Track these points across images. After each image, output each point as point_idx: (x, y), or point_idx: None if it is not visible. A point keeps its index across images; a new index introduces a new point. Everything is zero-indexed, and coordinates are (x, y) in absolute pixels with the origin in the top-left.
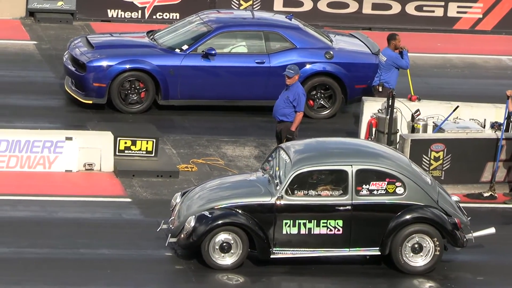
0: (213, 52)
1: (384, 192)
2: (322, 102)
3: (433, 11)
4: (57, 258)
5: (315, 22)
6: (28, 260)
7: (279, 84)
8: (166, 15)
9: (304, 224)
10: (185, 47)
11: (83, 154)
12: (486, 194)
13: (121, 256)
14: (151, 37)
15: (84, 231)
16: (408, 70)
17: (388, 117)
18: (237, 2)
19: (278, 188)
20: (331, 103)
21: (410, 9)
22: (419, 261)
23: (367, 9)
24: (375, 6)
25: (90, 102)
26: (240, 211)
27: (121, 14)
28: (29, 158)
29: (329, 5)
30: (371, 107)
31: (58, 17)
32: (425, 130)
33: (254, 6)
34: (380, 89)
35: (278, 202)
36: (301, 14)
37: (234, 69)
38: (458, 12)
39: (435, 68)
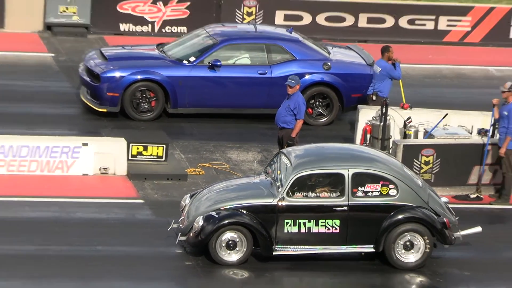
0: (218, 63)
1: (378, 194)
2: (320, 110)
3: (424, 25)
4: (76, 255)
5: (314, 35)
6: (50, 256)
7: (280, 94)
8: (174, 29)
9: (304, 224)
10: (192, 58)
11: (98, 159)
12: (473, 196)
13: (135, 253)
14: (161, 49)
15: (100, 230)
16: (400, 80)
17: (381, 124)
18: (241, 16)
19: (279, 190)
20: (328, 111)
21: (403, 22)
22: (411, 257)
23: (362, 23)
24: (370, 20)
25: (104, 110)
26: (244, 212)
27: (132, 28)
28: (49, 163)
29: (327, 19)
30: (366, 115)
31: (74, 31)
32: (416, 136)
33: (256, 20)
34: (374, 98)
35: (279, 203)
36: (300, 28)
37: (238, 80)
38: (448, 25)
39: (426, 78)
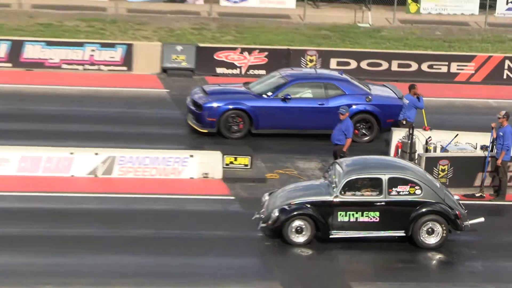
0: (288, 97)
1: (407, 193)
2: (364, 131)
3: (440, 68)
4: (184, 237)
5: (358, 76)
6: (164, 238)
7: (334, 119)
8: (256, 72)
9: (353, 214)
10: (269, 93)
11: (201, 166)
12: (477, 195)
13: (228, 236)
14: (246, 86)
15: (203, 219)
16: (423, 109)
17: (409, 141)
18: (305, 63)
19: (335, 190)
20: (370, 132)
21: (424, 67)
22: (432, 240)
23: (394, 67)
24: (400, 65)
25: (206, 131)
26: (309, 206)
27: (225, 71)
28: (165, 169)
29: (368, 64)
30: (398, 135)
31: (182, 73)
32: (435, 151)
33: (316, 65)
34: (404, 123)
35: (335, 200)
36: (348, 71)
37: (303, 109)
38: (457, 69)
39: (442, 108)
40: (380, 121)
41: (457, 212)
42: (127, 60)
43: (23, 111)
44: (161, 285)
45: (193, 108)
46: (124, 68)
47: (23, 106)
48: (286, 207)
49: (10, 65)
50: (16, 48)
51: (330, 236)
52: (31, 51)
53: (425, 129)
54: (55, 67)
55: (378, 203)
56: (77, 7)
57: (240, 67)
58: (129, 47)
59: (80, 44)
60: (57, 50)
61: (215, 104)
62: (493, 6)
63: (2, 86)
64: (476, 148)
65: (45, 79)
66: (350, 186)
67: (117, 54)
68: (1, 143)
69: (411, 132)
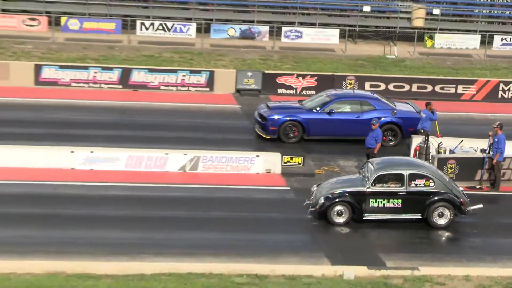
0: (332, 111)
1: (423, 185)
2: (390, 137)
3: (449, 90)
4: (251, 218)
5: (386, 95)
6: (236, 219)
7: (368, 129)
8: (308, 92)
9: (381, 201)
10: (318, 108)
11: (265, 164)
12: (477, 186)
13: (284, 217)
14: (300, 103)
15: (265, 204)
16: (436, 121)
17: (425, 146)
18: (345, 85)
19: (367, 182)
20: (395, 138)
21: (437, 88)
22: (442, 221)
23: (414, 89)
24: (418, 87)
25: (268, 137)
26: (347, 194)
27: (284, 91)
28: (238, 166)
29: (394, 86)
30: (416, 141)
31: (252, 93)
32: (444, 153)
33: (354, 87)
34: (422, 131)
35: (367, 190)
36: (379, 91)
37: (344, 121)
38: (462, 90)
39: (451, 120)
40: (402, 130)
41: (461, 200)
42: (210, 83)
43: (130, 122)
44: (233, 255)
45: (259, 119)
46: (207, 89)
47: (130, 118)
48: (330, 195)
49: (121, 86)
50: (125, 74)
51: (363, 218)
52: (137, 76)
53: (437, 136)
54: (155, 88)
55: (401, 193)
56: (172, 42)
57: (295, 89)
58: (212, 73)
59: (174, 71)
60: (157, 75)
61: (276, 116)
62: (490, 42)
63: (115, 102)
64: (476, 151)
65: (148, 98)
66: (379, 179)
67: (202, 78)
68: (113, 146)
69: (426, 138)
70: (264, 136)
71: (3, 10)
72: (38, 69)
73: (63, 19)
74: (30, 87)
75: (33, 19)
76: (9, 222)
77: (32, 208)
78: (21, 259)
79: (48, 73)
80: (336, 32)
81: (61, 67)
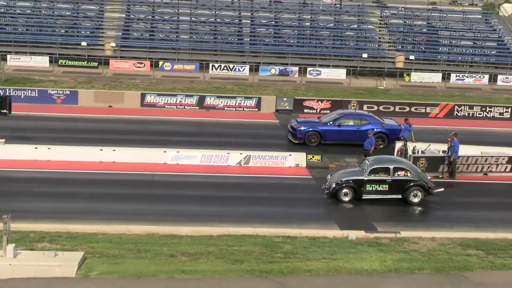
0: (341, 124)
1: (403, 175)
2: (380, 142)
3: (421, 110)
4: (285, 197)
5: (378, 113)
6: (275, 198)
7: (365, 136)
8: (325, 111)
9: (374, 186)
10: (331, 122)
11: (295, 160)
12: (440, 176)
13: (308, 197)
14: (319, 119)
15: (295, 188)
16: (412, 131)
17: (405, 148)
18: (350, 107)
19: (365, 173)
20: (383, 143)
21: (412, 109)
22: (416, 200)
23: (397, 109)
24: (399, 108)
25: (297, 142)
26: (351, 181)
27: (309, 111)
28: (275, 162)
29: (383, 108)
30: (398, 145)
31: (286, 112)
32: (418, 153)
33: (356, 108)
34: (402, 138)
35: (365, 178)
36: (372, 111)
37: (349, 131)
38: (429, 110)
39: (422, 131)
40: (389, 137)
41: (429, 185)
42: (258, 105)
43: (203, 132)
44: (273, 222)
45: (291, 130)
46: (256, 109)
47: (203, 129)
48: (339, 182)
49: (197, 108)
50: (201, 99)
51: (362, 198)
52: (209, 101)
53: (413, 142)
54: (221, 109)
55: (388, 180)
56: (233, 78)
57: (316, 109)
58: (259, 99)
59: (234, 97)
60: (223, 100)
61: (302, 128)
62: (448, 78)
63: (194, 118)
64: (439, 152)
65: (216, 115)
66: (373, 171)
67: (253, 102)
68: (192, 147)
69: (405, 143)
70: (294, 141)
71: (121, 57)
72: (143, 96)
73: (160, 63)
74: (137, 108)
75: (140, 63)
76: (124, 199)
77: (138, 189)
78: (129, 224)
79: (149, 98)
80: (343, 71)
81: (158, 94)
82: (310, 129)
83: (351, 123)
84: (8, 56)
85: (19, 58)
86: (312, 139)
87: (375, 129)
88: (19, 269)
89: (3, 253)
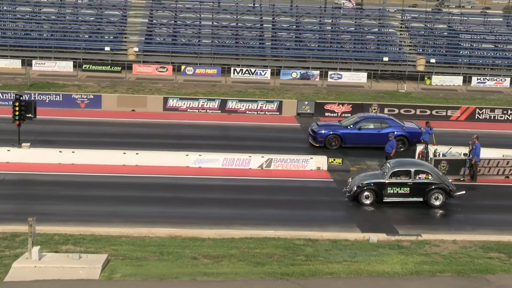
0: (361, 127)
1: (424, 178)
2: (401, 145)
3: (442, 113)
4: (306, 200)
5: (399, 117)
6: (296, 201)
7: (386, 139)
8: (345, 115)
9: (395, 189)
10: (351, 126)
11: (316, 163)
12: (461, 179)
13: (329, 200)
14: (340, 122)
15: (316, 191)
16: (433, 134)
17: (426, 151)
18: (371, 110)
19: (386, 176)
20: (404, 146)
21: (433, 112)
22: (437, 203)
23: (418, 112)
24: (421, 111)
25: (318, 145)
26: (372, 184)
27: (330, 115)
28: (296, 165)
29: (404, 111)
30: (419, 148)
31: (307, 115)
32: (439, 156)
33: (376, 112)
34: (423, 141)
35: (386, 181)
36: (393, 114)
37: (370, 134)
38: (451, 113)
39: (443, 134)
40: (409, 140)
41: (450, 188)
42: (279, 109)
43: (225, 135)
44: (294, 225)
45: (312, 133)
46: (278, 113)
47: (225, 132)
48: (360, 184)
49: (219, 111)
50: (223, 103)
51: (383, 200)
52: (230, 104)
53: (434, 145)
54: (242, 112)
55: (409, 183)
56: (254, 82)
57: (337, 113)
58: (281, 102)
59: (256, 101)
60: (244, 103)
61: (323, 131)
62: (469, 81)
63: (216, 122)
64: (460, 155)
65: (238, 119)
66: (394, 174)
67: (274, 106)
68: (214, 151)
69: (426, 146)
70: (315, 144)
71: (144, 62)
72: (165, 100)
73: (183, 67)
74: (160, 112)
75: (163, 67)
76: (147, 202)
77: (161, 192)
78: (152, 227)
79: (172, 102)
80: (364, 74)
81: (181, 98)
82: (331, 133)
83: (371, 126)
84: (33, 61)
85: (44, 63)
86: (333, 142)
87: (395, 132)
88: (44, 271)
89: (29, 255)
